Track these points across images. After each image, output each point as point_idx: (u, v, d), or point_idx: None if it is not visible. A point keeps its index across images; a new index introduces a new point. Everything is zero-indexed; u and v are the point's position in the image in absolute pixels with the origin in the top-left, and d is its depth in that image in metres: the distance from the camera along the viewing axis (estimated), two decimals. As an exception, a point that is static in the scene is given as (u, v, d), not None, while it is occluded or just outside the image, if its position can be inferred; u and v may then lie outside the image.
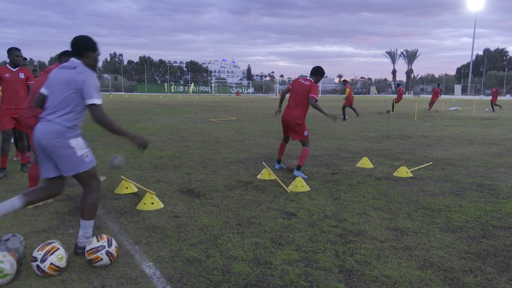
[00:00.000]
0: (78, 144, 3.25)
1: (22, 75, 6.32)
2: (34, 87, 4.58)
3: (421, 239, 3.84)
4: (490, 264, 3.31)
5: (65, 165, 3.23)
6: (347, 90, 18.44)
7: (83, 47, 3.32)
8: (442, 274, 3.13)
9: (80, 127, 3.36)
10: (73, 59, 3.33)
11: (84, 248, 3.32)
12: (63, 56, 4.60)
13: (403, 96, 25.27)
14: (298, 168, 6.37)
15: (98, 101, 3.20)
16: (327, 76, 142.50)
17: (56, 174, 3.31)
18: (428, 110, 25.11)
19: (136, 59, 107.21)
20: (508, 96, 66.47)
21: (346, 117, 17.78)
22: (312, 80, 6.47)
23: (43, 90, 3.39)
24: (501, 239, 3.86)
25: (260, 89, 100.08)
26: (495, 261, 3.38)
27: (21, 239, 3.34)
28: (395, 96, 24.49)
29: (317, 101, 6.22)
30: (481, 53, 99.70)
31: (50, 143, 3.17)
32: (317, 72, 6.56)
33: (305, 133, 6.41)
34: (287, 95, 6.67)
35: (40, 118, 3.30)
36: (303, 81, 6.50)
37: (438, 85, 26.90)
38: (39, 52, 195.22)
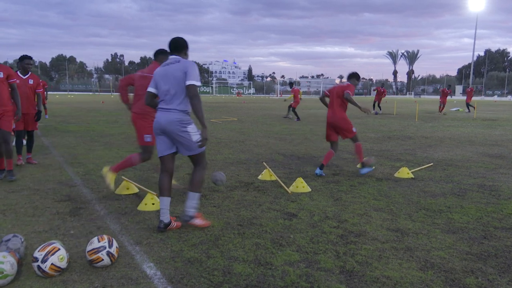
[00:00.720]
0: (193, 130, 3.93)
1: (0, 74, 5.85)
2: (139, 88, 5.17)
3: (422, 240, 3.84)
4: (491, 265, 3.31)
5: (184, 147, 3.92)
6: (297, 92, 19.04)
7: (181, 46, 4.00)
8: (443, 275, 3.13)
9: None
10: (173, 56, 3.97)
11: (191, 217, 3.97)
12: (159, 55, 5.17)
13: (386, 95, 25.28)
14: (362, 165, 6.68)
15: (197, 83, 3.83)
16: (328, 77, 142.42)
17: (170, 152, 3.99)
18: (440, 111, 24.22)
19: (137, 60, 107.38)
20: (509, 97, 66.40)
21: (287, 114, 19.09)
22: (349, 83, 6.82)
23: (151, 90, 4.03)
24: (502, 240, 3.85)
25: (261, 90, 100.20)
26: (496, 262, 3.38)
27: (22, 240, 3.34)
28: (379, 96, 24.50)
29: (351, 95, 6.48)
30: (482, 54, 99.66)
31: (173, 129, 3.85)
32: (353, 76, 6.94)
33: (354, 129, 6.68)
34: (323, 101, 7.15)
35: (159, 108, 3.96)
36: (340, 83, 7.05)
37: (449, 86, 26.16)
38: (40, 52, 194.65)
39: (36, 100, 7.22)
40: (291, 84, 20.96)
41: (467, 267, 3.27)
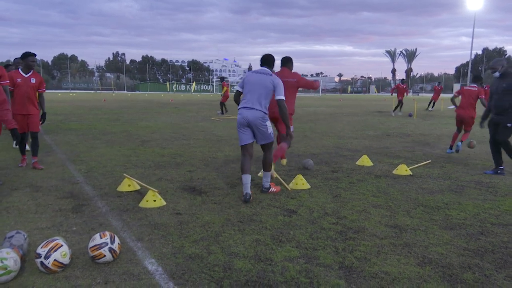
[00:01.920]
0: (269, 125, 5.07)
1: None
2: None
3: (420, 236, 3.88)
4: (488, 261, 3.35)
5: (261, 137, 5.06)
6: (224, 88, 19.71)
7: (272, 61, 5.27)
8: (441, 270, 3.17)
9: None
10: (265, 68, 5.14)
11: (268, 188, 5.28)
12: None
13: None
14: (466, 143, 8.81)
15: (283, 97, 5.02)
16: (327, 76, 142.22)
17: (251, 141, 5.08)
18: (426, 109, 24.91)
19: (138, 58, 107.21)
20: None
21: (224, 111, 19.57)
22: (477, 86, 8.57)
23: (240, 89, 5.17)
24: (499, 236, 3.90)
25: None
26: (493, 257, 3.42)
27: (25, 236, 3.38)
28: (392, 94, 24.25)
29: (486, 99, 7.96)
30: (480, 52, 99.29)
31: (257, 123, 4.93)
32: (478, 79, 8.74)
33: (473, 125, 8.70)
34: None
35: (245, 107, 4.96)
36: (470, 88, 8.63)
37: (438, 83, 26.68)
38: (41, 51, 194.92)
39: (38, 99, 6.86)
40: (221, 78, 21.87)
41: (464, 262, 3.31)
